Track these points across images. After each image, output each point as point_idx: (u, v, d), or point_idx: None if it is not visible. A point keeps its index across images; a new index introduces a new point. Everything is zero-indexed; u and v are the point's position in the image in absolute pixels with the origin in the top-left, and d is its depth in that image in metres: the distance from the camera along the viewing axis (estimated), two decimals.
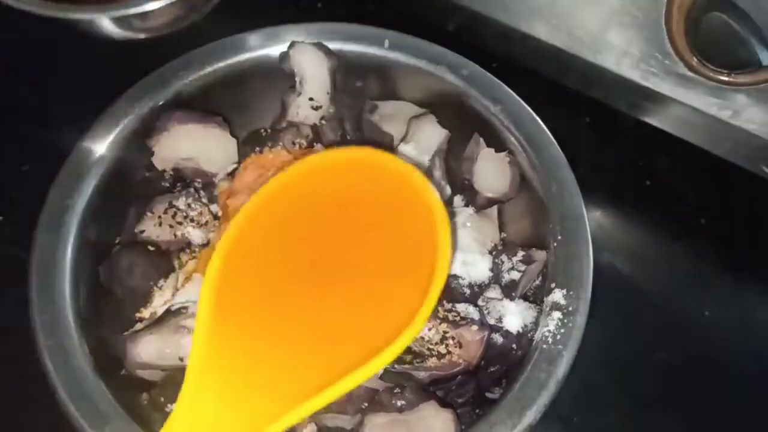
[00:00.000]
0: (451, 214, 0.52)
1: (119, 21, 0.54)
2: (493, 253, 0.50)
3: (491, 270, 0.50)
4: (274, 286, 0.36)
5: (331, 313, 0.35)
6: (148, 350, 0.45)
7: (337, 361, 0.33)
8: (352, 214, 0.38)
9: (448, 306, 0.47)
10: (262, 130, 0.56)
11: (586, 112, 0.65)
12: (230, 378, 0.33)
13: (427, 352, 0.46)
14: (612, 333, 0.57)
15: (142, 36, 0.57)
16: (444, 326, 0.46)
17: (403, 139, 0.53)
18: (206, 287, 0.37)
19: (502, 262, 0.49)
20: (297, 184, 0.39)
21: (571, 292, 0.45)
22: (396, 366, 0.45)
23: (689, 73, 0.53)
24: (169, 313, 0.46)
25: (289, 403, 0.31)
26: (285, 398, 0.32)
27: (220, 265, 0.38)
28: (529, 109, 0.51)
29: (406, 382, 0.44)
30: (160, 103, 0.52)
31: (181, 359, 0.46)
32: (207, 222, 0.51)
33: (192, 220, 0.50)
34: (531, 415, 0.42)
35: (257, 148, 0.52)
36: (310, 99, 0.53)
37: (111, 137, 0.50)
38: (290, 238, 0.38)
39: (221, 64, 0.53)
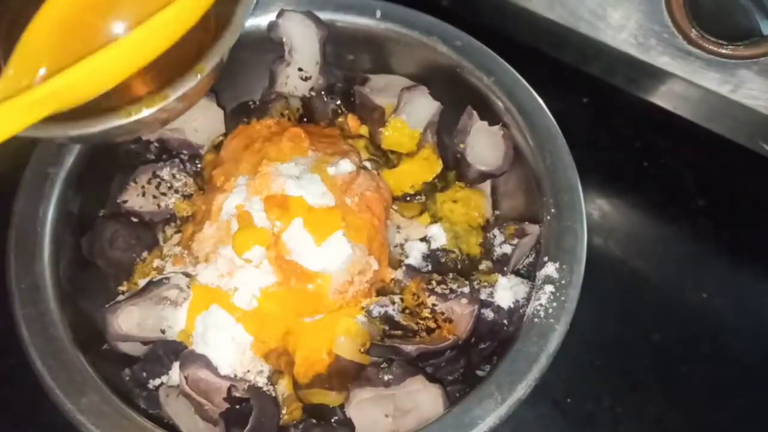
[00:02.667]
0: (442, 189, 0.52)
1: None
2: (485, 227, 0.49)
3: (483, 244, 0.49)
4: None
5: None
6: (128, 322, 0.44)
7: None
8: None
9: (438, 279, 0.45)
10: (251, 102, 0.54)
11: (583, 90, 0.64)
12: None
13: (416, 327, 0.45)
14: (607, 314, 0.56)
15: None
16: (433, 299, 0.44)
17: (394, 111, 0.52)
18: None
19: (494, 236, 0.48)
20: None
21: (564, 266, 0.44)
22: (384, 340, 0.44)
23: (688, 46, 0.52)
24: (151, 284, 0.45)
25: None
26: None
27: None
28: (522, 80, 0.50)
29: (394, 357, 0.43)
30: None
31: (163, 331, 0.45)
32: (192, 194, 0.50)
33: (176, 191, 0.49)
34: (521, 390, 0.41)
35: (245, 119, 0.51)
36: (300, 69, 0.52)
37: None
38: None
39: None
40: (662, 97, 0.59)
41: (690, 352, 0.56)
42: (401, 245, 0.49)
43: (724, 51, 0.50)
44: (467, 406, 0.41)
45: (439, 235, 0.48)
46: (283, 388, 0.45)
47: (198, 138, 0.52)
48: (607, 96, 0.63)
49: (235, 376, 0.44)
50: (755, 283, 0.59)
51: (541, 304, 0.43)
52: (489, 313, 0.45)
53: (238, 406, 0.44)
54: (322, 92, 0.53)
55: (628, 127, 0.64)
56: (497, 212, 0.52)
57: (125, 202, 0.49)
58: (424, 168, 0.52)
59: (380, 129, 0.52)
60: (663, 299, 0.58)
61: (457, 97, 0.52)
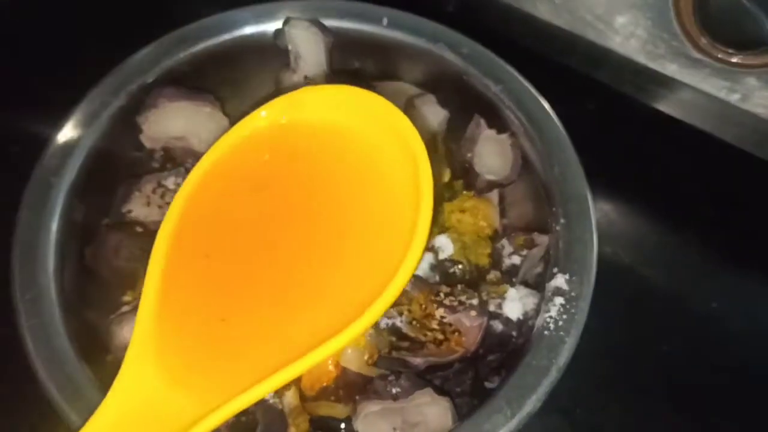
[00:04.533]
0: (449, 198, 0.51)
1: None
2: (494, 237, 0.49)
3: (491, 255, 0.48)
4: (229, 255, 0.31)
5: (297, 278, 0.30)
6: None
7: (303, 333, 0.29)
8: (320, 163, 0.33)
9: (446, 290, 0.45)
10: None
11: (590, 97, 0.63)
12: (178, 355, 0.29)
13: (423, 339, 0.44)
14: (615, 324, 0.55)
15: None
16: (441, 311, 0.44)
17: None
18: (155, 258, 0.33)
19: (503, 247, 0.47)
20: (257, 135, 0.34)
21: (574, 277, 0.44)
22: (392, 352, 0.44)
23: (697, 55, 0.51)
24: None
25: (249, 378, 0.28)
26: (244, 374, 0.28)
27: (171, 231, 0.33)
28: (531, 87, 0.49)
29: (402, 369, 0.43)
30: (150, 80, 0.50)
31: None
32: None
33: None
34: (531, 404, 0.40)
35: None
36: (306, 77, 0.51)
37: (99, 114, 0.48)
38: (248, 197, 0.33)
39: (214, 41, 0.52)
40: (670, 105, 0.59)
41: (698, 361, 0.55)
42: None
43: (733, 59, 0.49)
44: (476, 421, 0.40)
45: (446, 246, 0.48)
46: (290, 400, 0.44)
47: (203, 147, 0.51)
48: (615, 103, 0.62)
49: None
50: (764, 293, 0.58)
51: (551, 317, 0.43)
52: (498, 325, 0.45)
53: (243, 419, 0.43)
54: None
55: (636, 133, 0.63)
56: (505, 221, 0.52)
57: (130, 211, 0.48)
58: None
59: None
60: (670, 308, 0.57)
61: (465, 105, 0.51)
